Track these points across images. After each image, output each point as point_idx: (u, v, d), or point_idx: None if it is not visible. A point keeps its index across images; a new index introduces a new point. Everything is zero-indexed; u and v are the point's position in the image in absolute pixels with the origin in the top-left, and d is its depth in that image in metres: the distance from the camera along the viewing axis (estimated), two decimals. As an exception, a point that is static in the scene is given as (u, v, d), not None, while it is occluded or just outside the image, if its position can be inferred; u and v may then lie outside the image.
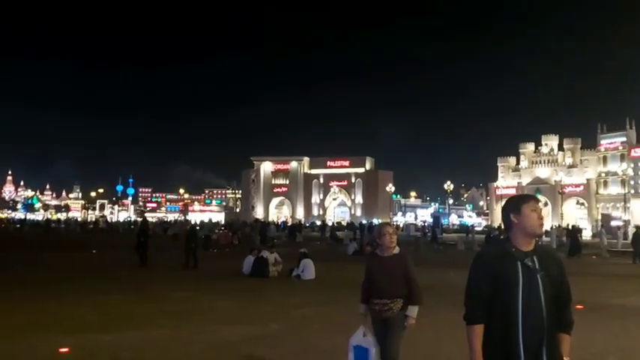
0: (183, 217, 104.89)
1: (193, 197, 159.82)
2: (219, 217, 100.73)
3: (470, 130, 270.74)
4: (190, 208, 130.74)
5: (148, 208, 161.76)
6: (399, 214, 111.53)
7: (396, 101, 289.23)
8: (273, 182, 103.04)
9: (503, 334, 2.96)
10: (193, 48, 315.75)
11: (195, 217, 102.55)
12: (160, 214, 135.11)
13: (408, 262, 5.30)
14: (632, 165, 71.87)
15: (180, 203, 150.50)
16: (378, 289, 5.19)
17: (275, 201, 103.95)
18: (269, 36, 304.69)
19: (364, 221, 69.52)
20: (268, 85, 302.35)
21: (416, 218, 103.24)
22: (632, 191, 70.98)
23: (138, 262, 19.17)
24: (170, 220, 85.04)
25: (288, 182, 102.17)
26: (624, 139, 74.44)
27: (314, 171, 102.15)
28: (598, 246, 32.00)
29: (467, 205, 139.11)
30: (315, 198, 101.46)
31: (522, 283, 2.97)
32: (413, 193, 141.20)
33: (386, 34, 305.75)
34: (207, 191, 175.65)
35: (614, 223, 57.98)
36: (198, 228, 27.75)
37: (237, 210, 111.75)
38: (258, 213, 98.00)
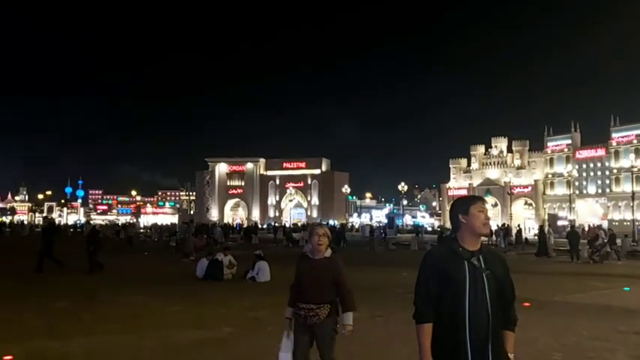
0: (135, 220, 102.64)
1: (146, 199, 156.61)
2: (173, 220, 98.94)
3: (424, 132, 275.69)
4: (143, 211, 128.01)
5: (99, 211, 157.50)
6: (355, 215, 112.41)
7: (352, 103, 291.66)
8: (228, 184, 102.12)
9: (451, 331, 3.01)
10: (142, 48, 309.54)
11: (148, 219, 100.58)
12: (111, 217, 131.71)
13: (338, 266, 5.01)
14: (577, 166, 74.79)
15: (132, 206, 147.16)
16: (305, 292, 4.89)
17: (230, 203, 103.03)
18: (221, 34, 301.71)
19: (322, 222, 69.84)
20: (223, 86, 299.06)
21: (371, 219, 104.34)
22: (577, 192, 73.85)
23: (87, 267, 18.61)
24: (125, 223, 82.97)
25: (243, 184, 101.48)
26: (569, 141, 77.36)
27: (270, 172, 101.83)
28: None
29: (420, 206, 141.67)
30: (272, 199, 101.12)
31: (469, 282, 3.03)
32: (368, 195, 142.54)
33: (342, 37, 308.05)
34: (160, 193, 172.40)
35: (560, 223, 60.12)
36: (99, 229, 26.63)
37: (192, 212, 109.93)
38: (213, 215, 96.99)
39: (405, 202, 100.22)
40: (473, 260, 3.08)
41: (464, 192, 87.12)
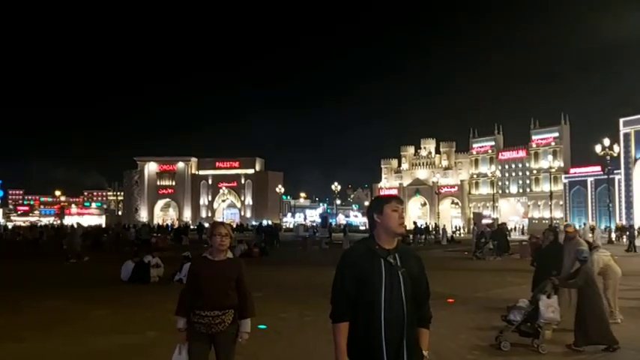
0: (59, 221, 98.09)
1: (71, 200, 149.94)
2: (100, 221, 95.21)
3: (357, 132, 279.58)
4: (67, 212, 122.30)
5: (19, 212, 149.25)
6: (289, 214, 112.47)
7: (285, 103, 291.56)
8: (158, 183, 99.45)
9: (367, 330, 3.04)
10: (78, 47, 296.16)
11: (73, 220, 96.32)
12: (32, 218, 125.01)
13: (241, 268, 4.69)
14: (500, 167, 78.23)
15: (55, 206, 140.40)
16: (207, 298, 4.44)
17: (161, 203, 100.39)
18: (153, 33, 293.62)
19: (254, 222, 69.30)
20: (155, 84, 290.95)
21: (305, 219, 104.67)
22: (500, 191, 77.25)
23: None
24: (47, 224, 78.97)
25: (174, 183, 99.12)
26: (493, 143, 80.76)
27: (202, 172, 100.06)
28: (469, 242, 34.38)
29: (353, 205, 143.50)
30: (204, 199, 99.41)
31: (385, 280, 3.06)
32: (302, 194, 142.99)
33: (276, 38, 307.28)
34: (86, 193, 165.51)
35: (484, 222, 62.60)
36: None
37: (120, 213, 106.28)
38: (142, 215, 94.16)
39: (338, 201, 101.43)
40: (389, 258, 3.11)
41: (394, 191, 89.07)
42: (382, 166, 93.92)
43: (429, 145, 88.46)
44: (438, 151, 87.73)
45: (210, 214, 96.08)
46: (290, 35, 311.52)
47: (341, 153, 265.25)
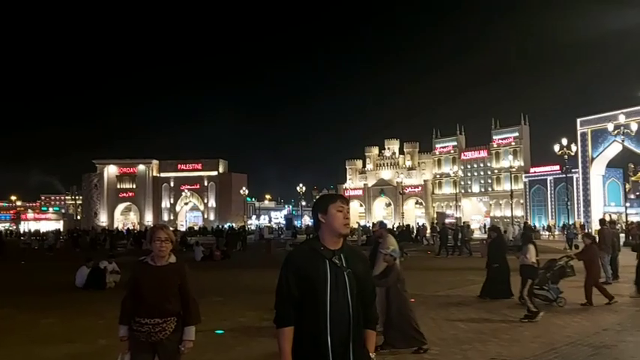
0: (15, 227, 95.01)
1: (27, 204, 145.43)
2: (58, 226, 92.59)
3: (322, 133, 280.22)
4: (24, 217, 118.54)
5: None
6: (254, 217, 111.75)
7: (249, 104, 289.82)
8: (118, 187, 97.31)
9: (312, 332, 2.95)
10: (25, 47, 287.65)
11: (30, 226, 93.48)
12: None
13: (184, 273, 4.50)
14: (462, 167, 79.48)
15: (11, 211, 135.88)
16: (147, 305, 4.25)
17: (121, 207, 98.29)
18: (110, 30, 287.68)
19: (217, 225, 68.46)
20: (112, 83, 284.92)
21: (270, 221, 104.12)
22: (463, 191, 78.47)
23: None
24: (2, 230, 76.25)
25: (135, 187, 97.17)
26: (455, 143, 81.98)
27: (164, 174, 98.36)
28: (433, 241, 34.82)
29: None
30: (166, 202, 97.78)
31: (330, 281, 2.98)
32: (267, 196, 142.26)
33: (238, 37, 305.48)
34: (43, 197, 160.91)
35: (447, 221, 63.46)
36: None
37: (79, 217, 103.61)
38: (102, 220, 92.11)
39: (303, 202, 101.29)
40: (334, 259, 3.03)
41: (359, 192, 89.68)
42: (347, 167, 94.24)
43: (392, 146, 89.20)
44: (401, 152, 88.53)
45: (172, 218, 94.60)
46: (253, 35, 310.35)
47: (306, 154, 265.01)
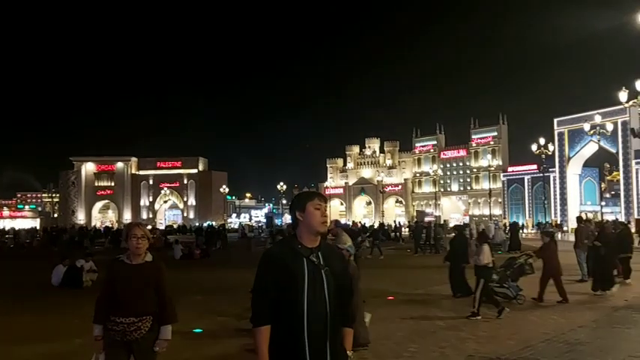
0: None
1: (3, 202, 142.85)
2: (35, 224, 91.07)
3: (303, 132, 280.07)
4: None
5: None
6: (234, 215, 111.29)
7: (230, 102, 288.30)
8: (96, 184, 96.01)
9: (289, 331, 2.93)
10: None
11: (6, 224, 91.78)
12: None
13: (161, 272, 4.42)
14: (442, 166, 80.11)
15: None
16: (123, 304, 4.19)
17: (99, 204, 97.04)
18: (87, 27, 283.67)
19: (197, 223, 68.02)
20: (92, 81, 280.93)
21: (250, 219, 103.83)
22: (442, 189, 79.10)
23: None
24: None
25: (113, 184, 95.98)
26: (435, 142, 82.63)
27: (143, 172, 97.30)
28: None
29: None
30: (144, 200, 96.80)
31: (307, 280, 2.96)
32: (248, 194, 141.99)
33: (218, 35, 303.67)
34: (19, 195, 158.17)
35: (427, 219, 63.94)
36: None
37: (55, 215, 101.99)
38: (80, 218, 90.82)
39: (284, 201, 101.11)
40: (312, 257, 3.02)
41: (340, 191, 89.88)
42: (328, 166, 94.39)
43: (373, 145, 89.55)
44: (382, 151, 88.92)
45: (151, 216, 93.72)
46: (233, 33, 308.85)
47: (287, 153, 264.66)
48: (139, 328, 4.22)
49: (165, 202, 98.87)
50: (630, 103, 28.42)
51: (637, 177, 52.39)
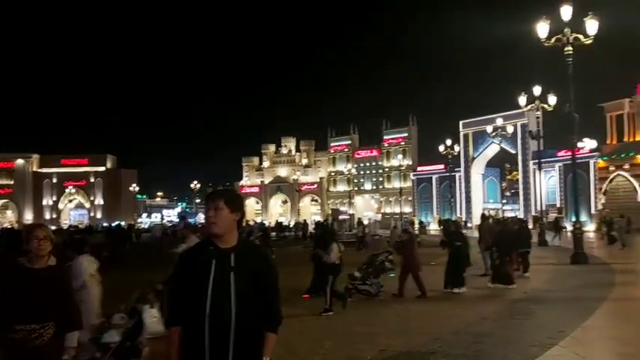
0: None
1: None
2: None
3: (218, 129, 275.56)
4: None
5: None
6: (145, 214, 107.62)
7: (142, 99, 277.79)
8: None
9: (194, 333, 2.92)
10: None
11: None
12: None
13: (65, 276, 4.28)
14: (356, 165, 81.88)
15: None
16: (22, 310, 3.96)
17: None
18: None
19: (105, 223, 65.03)
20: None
21: (162, 219, 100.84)
22: (356, 188, 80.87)
23: None
24: None
25: (12, 182, 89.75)
26: (349, 142, 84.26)
27: (46, 170, 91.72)
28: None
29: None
30: (47, 200, 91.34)
31: (212, 281, 2.93)
32: (159, 193, 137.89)
33: (128, 25, 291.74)
34: None
35: (342, 217, 65.09)
36: None
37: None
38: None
39: (198, 200, 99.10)
40: (223, 258, 2.98)
41: (256, 190, 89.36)
42: (243, 164, 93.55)
43: (289, 144, 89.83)
44: (298, 150, 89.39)
45: (55, 216, 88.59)
46: (145, 34, 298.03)
47: (201, 150, 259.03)
48: (41, 335, 3.98)
49: (71, 201, 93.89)
50: (529, 107, 30.57)
51: (534, 176, 56.20)
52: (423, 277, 12.53)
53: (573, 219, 23.40)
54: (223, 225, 3.03)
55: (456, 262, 13.11)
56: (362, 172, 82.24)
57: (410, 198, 73.67)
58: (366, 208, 79.51)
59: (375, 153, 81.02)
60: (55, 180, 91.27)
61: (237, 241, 3.09)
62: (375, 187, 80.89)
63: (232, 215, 3.07)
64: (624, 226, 28.09)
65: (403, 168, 65.64)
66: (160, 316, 7.01)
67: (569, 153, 23.66)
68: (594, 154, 53.96)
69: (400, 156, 68.68)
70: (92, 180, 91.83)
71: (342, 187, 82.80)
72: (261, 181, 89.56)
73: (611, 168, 53.44)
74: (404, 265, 12.51)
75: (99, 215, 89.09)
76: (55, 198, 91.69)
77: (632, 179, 51.82)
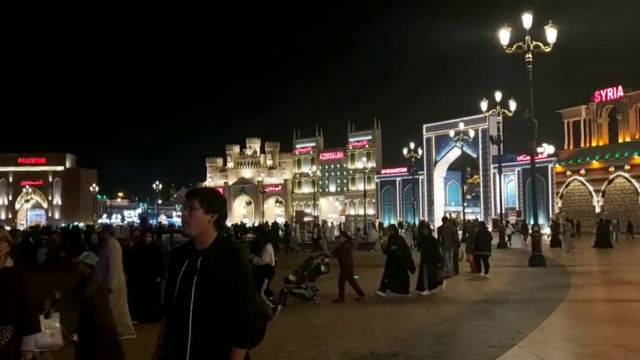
0: None
1: None
2: None
3: (181, 130, 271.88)
4: None
5: None
6: (105, 215, 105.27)
7: (105, 99, 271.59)
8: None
9: (169, 328, 2.95)
10: None
11: None
12: None
13: (22, 278, 4.16)
14: (321, 167, 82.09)
15: None
16: None
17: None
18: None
19: (63, 224, 63.25)
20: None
21: (123, 219, 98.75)
22: (321, 190, 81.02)
23: None
24: None
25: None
26: (314, 144, 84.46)
27: (1, 168, 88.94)
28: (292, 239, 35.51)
29: (177, 205, 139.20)
30: (3, 199, 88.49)
31: (179, 282, 2.88)
32: (120, 194, 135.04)
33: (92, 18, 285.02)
34: None
35: (306, 219, 65.07)
36: None
37: None
38: None
39: (160, 201, 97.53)
40: (193, 260, 2.88)
41: (220, 191, 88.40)
42: (207, 165, 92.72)
43: (254, 145, 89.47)
44: (263, 151, 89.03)
45: (10, 216, 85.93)
46: (109, 34, 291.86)
47: (164, 151, 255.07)
48: None
49: (27, 201, 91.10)
50: (490, 112, 31.23)
51: (494, 180, 57.40)
52: (370, 280, 12.57)
53: (532, 222, 23.99)
54: (196, 225, 2.92)
55: (393, 266, 12.70)
56: (327, 174, 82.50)
57: (374, 200, 74.23)
58: (330, 210, 79.78)
59: (340, 155, 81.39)
60: (11, 179, 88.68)
61: (211, 243, 2.93)
62: (339, 189, 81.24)
63: (207, 216, 2.92)
64: (570, 229, 28.81)
65: (367, 170, 66.11)
66: (60, 327, 6.52)
67: (529, 158, 24.28)
68: (552, 159, 55.56)
69: (365, 159, 69.16)
70: (50, 179, 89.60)
71: (306, 189, 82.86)
72: (225, 182, 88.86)
73: (568, 173, 55.08)
74: (342, 269, 12.46)
75: (57, 216, 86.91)
76: (10, 197, 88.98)
77: (587, 184, 53.52)
